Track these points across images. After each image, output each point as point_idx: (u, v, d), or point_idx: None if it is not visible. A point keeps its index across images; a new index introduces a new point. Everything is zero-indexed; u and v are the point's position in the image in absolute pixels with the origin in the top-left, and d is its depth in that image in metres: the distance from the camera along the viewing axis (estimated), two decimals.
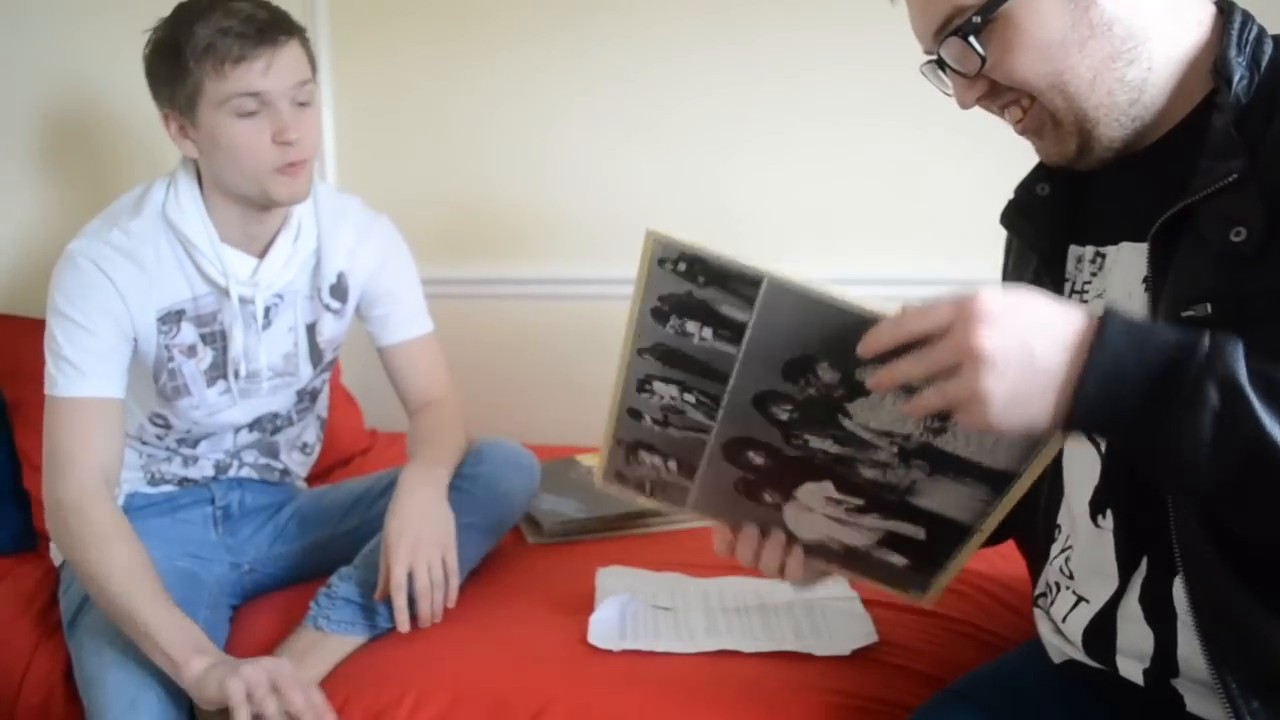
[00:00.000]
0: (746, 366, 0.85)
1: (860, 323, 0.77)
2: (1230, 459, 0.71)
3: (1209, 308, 0.82)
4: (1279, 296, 0.79)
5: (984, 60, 0.87)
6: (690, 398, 0.90)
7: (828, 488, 0.91)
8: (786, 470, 0.91)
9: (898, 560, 0.94)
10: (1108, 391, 0.71)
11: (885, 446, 0.85)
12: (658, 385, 0.90)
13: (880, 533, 0.92)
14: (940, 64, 0.91)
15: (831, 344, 0.81)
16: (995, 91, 0.91)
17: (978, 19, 0.86)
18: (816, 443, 0.87)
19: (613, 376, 0.91)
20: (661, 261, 0.82)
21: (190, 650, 1.22)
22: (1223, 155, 0.83)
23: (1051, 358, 0.71)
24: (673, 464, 0.94)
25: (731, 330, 0.84)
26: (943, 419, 0.81)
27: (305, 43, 1.38)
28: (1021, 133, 0.94)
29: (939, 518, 0.89)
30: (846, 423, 0.85)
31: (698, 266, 0.81)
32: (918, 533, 0.91)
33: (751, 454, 0.91)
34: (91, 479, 1.33)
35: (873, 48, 2.04)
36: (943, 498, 0.87)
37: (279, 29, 1.33)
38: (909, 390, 0.76)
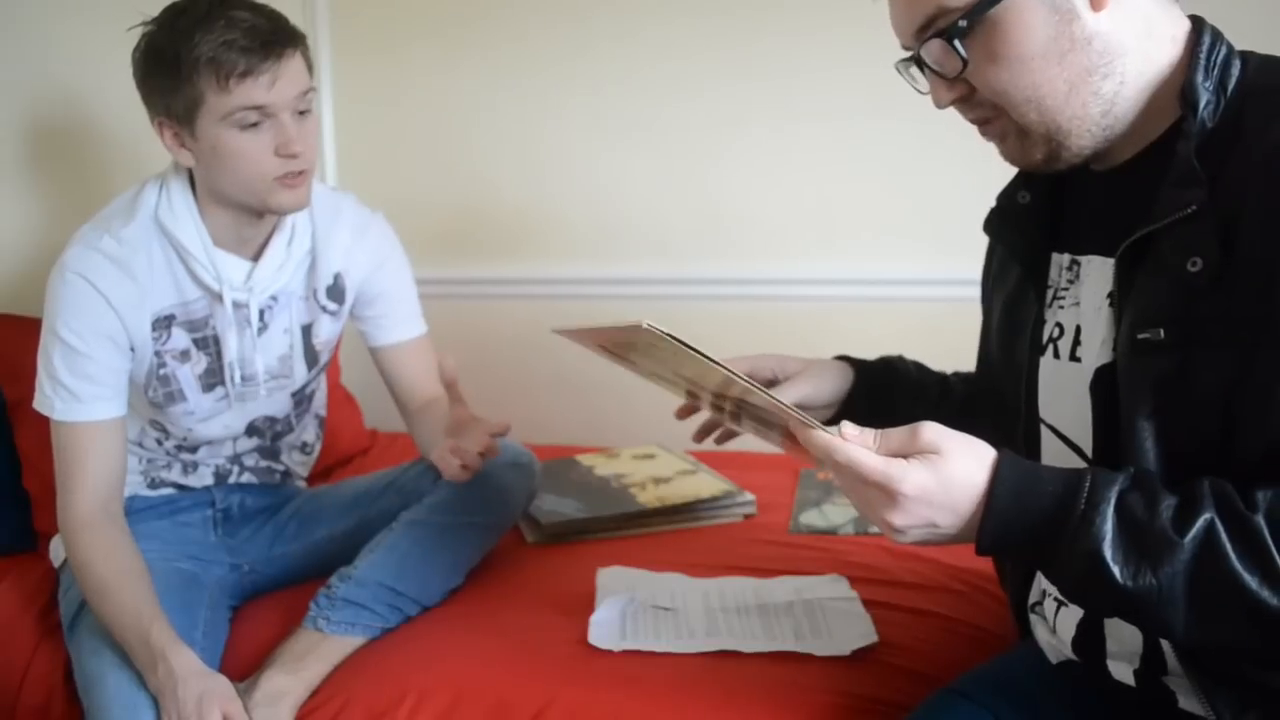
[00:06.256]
0: None
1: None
2: (1099, 606, 0.88)
3: (1162, 332, 0.85)
4: (1230, 324, 0.82)
5: (965, 63, 0.88)
6: None
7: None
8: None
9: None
10: (997, 546, 0.84)
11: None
12: None
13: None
14: (918, 62, 0.92)
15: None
16: (970, 95, 0.92)
17: (963, 22, 0.86)
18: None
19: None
20: None
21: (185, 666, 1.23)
22: (1184, 184, 0.85)
23: (952, 526, 0.83)
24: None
25: None
26: None
27: (306, 50, 1.34)
28: (984, 136, 0.96)
29: None
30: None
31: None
32: None
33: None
34: (85, 507, 1.35)
35: (871, 48, 2.02)
36: None
37: (283, 41, 1.29)
38: None
